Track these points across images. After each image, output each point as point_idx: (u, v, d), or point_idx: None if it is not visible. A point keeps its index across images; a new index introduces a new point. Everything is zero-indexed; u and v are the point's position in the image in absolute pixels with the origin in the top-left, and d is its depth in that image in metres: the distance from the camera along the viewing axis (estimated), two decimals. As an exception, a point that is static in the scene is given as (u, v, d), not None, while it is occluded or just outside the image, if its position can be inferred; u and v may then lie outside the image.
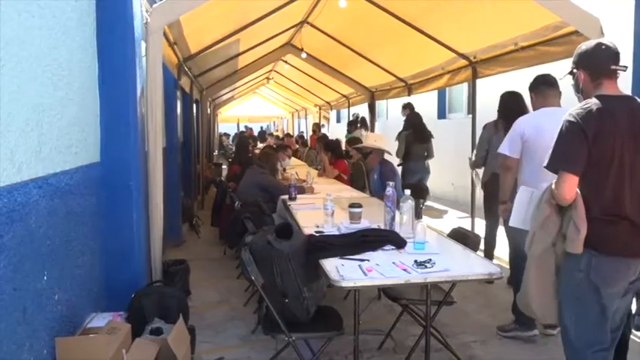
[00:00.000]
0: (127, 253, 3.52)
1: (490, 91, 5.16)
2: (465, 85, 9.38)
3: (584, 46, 2.38)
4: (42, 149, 2.43)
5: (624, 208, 2.23)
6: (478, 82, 6.28)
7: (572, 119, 2.24)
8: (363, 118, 12.96)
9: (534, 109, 3.75)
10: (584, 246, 2.23)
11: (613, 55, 2.30)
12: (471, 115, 6.59)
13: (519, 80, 4.00)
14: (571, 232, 2.25)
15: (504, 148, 3.65)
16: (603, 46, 2.31)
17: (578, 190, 2.24)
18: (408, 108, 10.14)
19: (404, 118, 10.04)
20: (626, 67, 2.36)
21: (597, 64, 2.32)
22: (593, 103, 2.26)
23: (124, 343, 2.69)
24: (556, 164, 2.26)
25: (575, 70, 2.42)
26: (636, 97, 2.36)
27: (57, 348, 2.47)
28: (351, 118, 12.84)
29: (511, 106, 4.57)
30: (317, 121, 15.84)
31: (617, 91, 2.33)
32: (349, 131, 11.55)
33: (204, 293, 4.82)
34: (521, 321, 3.77)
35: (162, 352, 2.78)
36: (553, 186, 2.30)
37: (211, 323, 4.12)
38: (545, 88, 3.66)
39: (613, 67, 2.29)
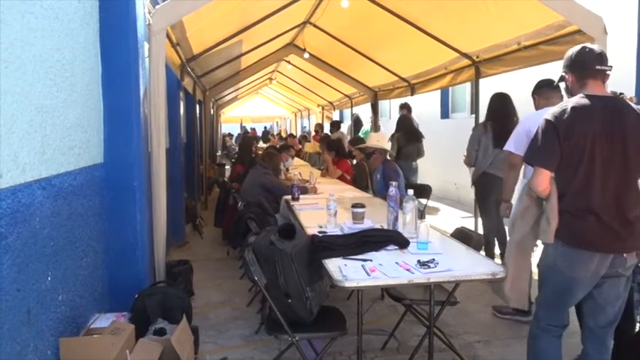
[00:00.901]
0: (131, 253, 3.52)
1: (493, 90, 5.14)
2: (468, 85, 9.37)
3: (571, 51, 2.52)
4: (45, 150, 2.44)
5: (592, 203, 2.35)
6: (481, 81, 6.26)
7: (548, 117, 2.42)
8: (357, 118, 13.03)
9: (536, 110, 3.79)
10: (555, 236, 2.41)
11: (597, 56, 2.43)
12: (474, 115, 6.57)
13: (522, 80, 4.01)
14: (543, 223, 2.45)
15: (510, 145, 3.70)
16: (587, 49, 2.45)
17: (554, 183, 2.41)
18: (405, 108, 10.20)
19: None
20: (611, 66, 2.45)
21: (582, 65, 2.46)
22: (571, 102, 2.42)
23: (128, 343, 2.70)
24: (531, 159, 2.49)
25: (564, 74, 2.57)
26: (622, 98, 2.47)
27: (61, 348, 2.48)
28: (351, 119, 12.92)
29: (497, 108, 4.70)
30: (319, 121, 15.85)
31: (601, 90, 2.44)
32: (331, 132, 11.72)
33: (208, 293, 4.82)
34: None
35: (165, 352, 2.79)
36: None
37: (215, 323, 4.12)
38: (547, 89, 3.80)
39: (598, 67, 2.41)
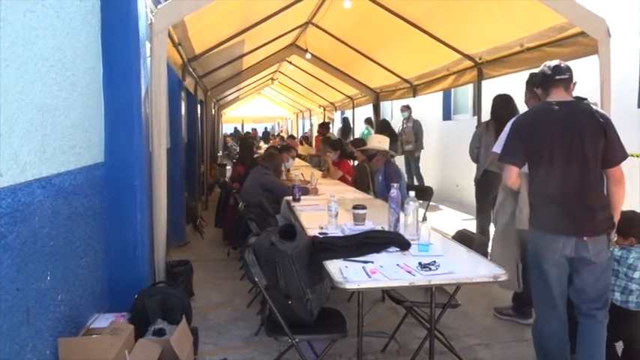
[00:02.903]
0: (131, 253, 3.52)
1: (495, 92, 5.14)
2: (471, 87, 9.34)
3: (537, 72, 2.99)
4: (46, 149, 2.44)
5: (554, 194, 2.75)
6: (484, 83, 6.26)
7: (515, 121, 2.94)
8: (346, 120, 13.19)
9: (528, 107, 3.84)
10: (530, 224, 2.85)
11: (554, 68, 2.84)
12: (476, 117, 6.57)
13: (525, 81, 4.01)
14: (517, 212, 2.99)
15: (498, 147, 3.74)
16: (546, 66, 2.89)
17: (524, 177, 2.87)
18: (408, 109, 10.32)
19: (403, 117, 10.29)
20: (570, 73, 2.84)
21: (544, 79, 2.89)
22: (535, 108, 2.94)
23: (127, 343, 2.70)
24: (502, 157, 2.96)
25: (535, 89, 3.08)
26: (583, 102, 2.82)
27: (60, 348, 2.48)
28: (341, 122, 13.19)
29: (500, 109, 4.79)
30: (321, 122, 15.85)
31: (563, 96, 2.82)
32: (321, 132, 11.88)
33: (208, 294, 4.82)
34: (518, 309, 4.07)
35: (164, 353, 2.79)
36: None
37: (214, 324, 4.12)
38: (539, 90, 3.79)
39: (557, 77, 2.82)
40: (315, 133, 15.30)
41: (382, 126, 9.17)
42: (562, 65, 2.86)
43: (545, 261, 2.78)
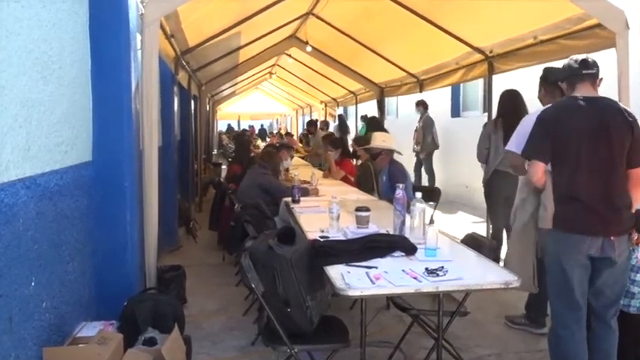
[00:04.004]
0: (120, 258, 3.53)
1: (507, 87, 5.14)
2: (481, 82, 9.34)
3: (562, 65, 3.04)
4: (30, 147, 2.44)
5: (580, 192, 2.78)
6: (495, 77, 6.25)
7: (540, 116, 2.97)
8: (341, 117, 13.27)
9: (543, 105, 3.84)
10: (552, 224, 2.88)
11: (582, 62, 2.89)
12: (487, 114, 6.57)
13: (539, 76, 4.01)
14: (541, 210, 3.02)
15: (511, 145, 3.78)
16: (574, 59, 2.94)
17: (549, 174, 2.91)
18: (422, 105, 10.38)
19: (418, 115, 10.42)
20: (597, 68, 2.89)
21: (570, 73, 2.94)
22: (560, 103, 2.97)
23: (116, 353, 2.70)
24: (526, 153, 3.00)
25: (560, 83, 3.08)
26: (608, 98, 2.87)
27: (44, 358, 2.48)
28: (336, 119, 13.29)
29: (507, 105, 4.82)
30: (323, 118, 15.86)
31: (589, 92, 2.86)
32: (309, 131, 11.93)
33: (202, 301, 4.82)
34: (531, 317, 4.09)
35: (156, 363, 2.79)
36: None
37: (208, 333, 4.12)
38: (553, 87, 3.82)
39: (584, 71, 2.87)
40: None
41: (372, 124, 9.07)
42: (589, 59, 2.90)
43: (567, 261, 2.82)
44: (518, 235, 3.17)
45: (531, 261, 3.14)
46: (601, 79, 2.92)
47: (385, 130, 8.73)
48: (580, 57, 2.93)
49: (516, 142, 3.81)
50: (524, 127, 3.80)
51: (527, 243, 3.13)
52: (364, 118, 12.22)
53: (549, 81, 3.85)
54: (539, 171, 2.90)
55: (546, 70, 3.95)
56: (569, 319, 2.89)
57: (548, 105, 3.06)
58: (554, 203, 2.90)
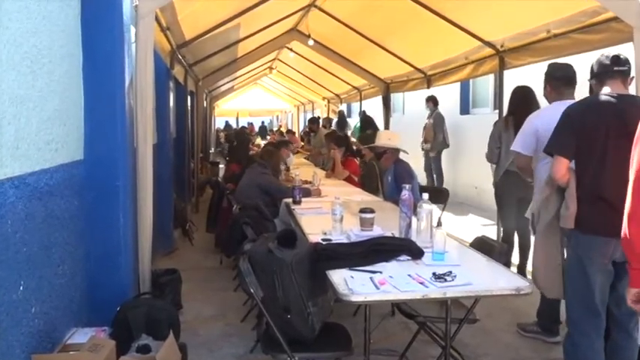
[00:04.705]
0: (113, 261, 3.53)
1: (519, 83, 5.13)
2: (491, 77, 9.35)
3: (593, 62, 3.06)
4: (19, 145, 2.44)
5: (604, 191, 2.78)
6: (506, 73, 6.24)
7: (567, 111, 2.97)
8: (341, 113, 13.31)
9: (549, 102, 3.92)
10: (575, 225, 2.86)
11: (613, 59, 2.92)
12: (497, 111, 6.56)
13: (544, 72, 4.01)
14: (563, 209, 2.96)
15: (517, 145, 3.84)
16: (604, 55, 2.97)
17: (573, 172, 2.90)
18: (432, 101, 10.41)
19: (426, 112, 10.46)
20: (629, 66, 2.93)
21: (600, 69, 2.96)
22: (588, 99, 2.99)
23: (108, 361, 2.70)
24: (550, 148, 2.98)
25: (590, 83, 3.10)
26: (638, 96, 2.92)
27: (33, 366, 2.48)
28: (337, 115, 13.35)
29: (519, 102, 4.82)
30: (326, 115, 15.87)
31: (620, 89, 2.89)
32: (311, 129, 11.97)
33: (198, 307, 4.82)
34: (544, 325, 4.10)
35: (150, 372, 2.79)
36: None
37: (205, 340, 4.12)
38: (561, 85, 3.84)
39: (615, 68, 2.90)
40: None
41: (363, 123, 9.13)
42: (621, 56, 2.92)
43: (590, 265, 2.82)
44: (542, 238, 3.14)
45: (558, 263, 3.10)
46: (632, 77, 2.95)
47: (377, 128, 8.80)
48: (611, 53, 2.95)
49: (521, 142, 3.85)
50: (530, 125, 3.84)
51: (552, 245, 3.10)
52: (362, 115, 12.25)
53: (555, 77, 3.86)
54: (562, 168, 2.89)
55: (551, 66, 3.96)
56: (588, 327, 2.87)
57: (575, 101, 3.07)
58: (578, 203, 2.88)
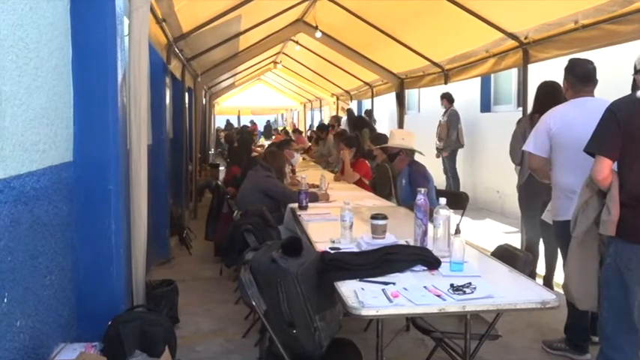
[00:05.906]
0: (104, 271, 3.53)
1: (544, 78, 5.12)
2: (515, 72, 9.33)
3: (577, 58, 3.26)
4: (4, 146, 2.45)
5: None
6: (530, 67, 6.24)
7: (611, 108, 2.91)
8: (350, 112, 13.36)
9: (566, 99, 3.97)
10: (616, 232, 2.82)
11: None
12: (521, 108, 6.55)
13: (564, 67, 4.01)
14: (604, 213, 2.89)
15: (529, 145, 3.90)
16: None
17: (615, 174, 2.85)
18: (446, 99, 10.41)
19: (443, 110, 10.46)
20: None
21: None
22: (634, 95, 2.91)
23: (99, 379, 2.71)
24: (591, 147, 2.93)
25: (634, 78, 3.06)
26: None
27: (18, 384, 2.49)
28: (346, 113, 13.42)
29: (545, 99, 4.78)
30: (335, 113, 15.89)
31: None
32: (319, 136, 12.03)
33: (196, 321, 4.84)
34: (573, 342, 4.06)
35: (144, 391, 2.79)
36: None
37: (203, 357, 4.13)
38: (579, 83, 3.86)
39: None
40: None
41: (357, 123, 9.11)
42: None
43: (631, 277, 2.79)
44: (578, 245, 3.09)
45: (594, 274, 3.08)
46: None
47: (373, 130, 8.84)
48: None
49: (533, 142, 3.88)
50: (543, 124, 3.87)
51: (589, 253, 3.07)
52: (368, 113, 12.26)
53: (572, 73, 3.87)
54: (605, 169, 2.84)
55: (571, 62, 3.96)
56: (623, 343, 2.87)
57: (620, 97, 3.03)
58: (620, 207, 2.83)
